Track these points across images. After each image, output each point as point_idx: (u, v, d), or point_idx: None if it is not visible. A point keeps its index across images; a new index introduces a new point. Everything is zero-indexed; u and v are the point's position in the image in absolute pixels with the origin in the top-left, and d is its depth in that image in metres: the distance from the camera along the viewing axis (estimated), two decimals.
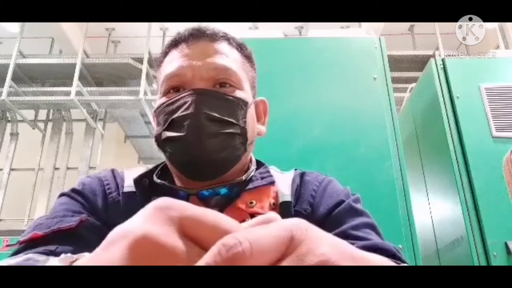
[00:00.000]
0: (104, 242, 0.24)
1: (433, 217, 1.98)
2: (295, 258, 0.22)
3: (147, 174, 0.62)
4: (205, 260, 0.22)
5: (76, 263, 0.29)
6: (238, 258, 0.21)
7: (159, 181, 0.61)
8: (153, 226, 0.23)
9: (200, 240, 0.23)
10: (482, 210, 1.60)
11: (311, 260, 0.22)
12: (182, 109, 0.57)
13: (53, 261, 0.33)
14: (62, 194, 0.61)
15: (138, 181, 0.61)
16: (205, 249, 0.23)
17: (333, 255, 0.23)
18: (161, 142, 0.60)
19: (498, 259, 1.52)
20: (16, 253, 0.50)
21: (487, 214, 1.60)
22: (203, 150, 0.56)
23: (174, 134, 0.58)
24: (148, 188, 0.60)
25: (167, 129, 0.59)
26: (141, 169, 0.65)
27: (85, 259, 0.25)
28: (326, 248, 0.23)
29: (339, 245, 0.25)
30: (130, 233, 0.23)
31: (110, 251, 0.23)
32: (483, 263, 1.53)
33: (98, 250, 0.24)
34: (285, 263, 0.22)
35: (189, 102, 0.57)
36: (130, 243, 0.22)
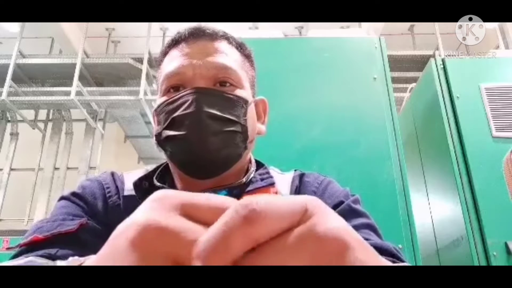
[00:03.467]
0: (109, 239, 0.24)
1: (433, 217, 1.98)
2: (305, 228, 0.23)
3: (147, 177, 0.62)
4: (222, 219, 0.22)
5: (84, 264, 0.29)
6: (254, 217, 0.21)
7: (159, 184, 0.61)
8: (154, 214, 0.23)
9: (203, 220, 0.23)
10: (482, 210, 1.60)
11: (319, 231, 0.22)
12: (183, 107, 0.57)
13: (61, 264, 0.33)
14: (62, 198, 0.61)
15: (137, 184, 0.61)
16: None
17: (342, 231, 0.23)
18: (162, 141, 0.60)
19: (498, 259, 1.52)
20: (16, 256, 0.50)
21: (487, 214, 1.60)
22: (205, 148, 0.57)
23: (175, 133, 0.58)
24: (148, 191, 0.60)
25: (167, 128, 0.59)
26: (141, 171, 0.64)
27: (92, 259, 0.25)
28: (338, 223, 0.24)
29: (348, 226, 0.25)
30: (133, 224, 0.23)
31: (116, 244, 0.23)
32: (483, 263, 1.53)
33: (104, 247, 0.24)
34: (296, 231, 0.22)
35: (190, 101, 0.57)
36: (134, 233, 0.22)
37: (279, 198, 0.23)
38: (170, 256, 0.22)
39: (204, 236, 0.22)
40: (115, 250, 0.23)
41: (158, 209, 0.23)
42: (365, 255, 0.24)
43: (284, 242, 0.22)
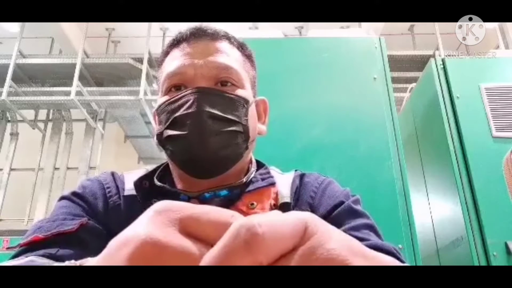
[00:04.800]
0: (105, 251, 0.24)
1: (433, 217, 1.98)
2: (306, 250, 0.22)
3: (147, 177, 0.62)
4: (224, 241, 0.22)
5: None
6: (257, 240, 0.21)
7: (159, 183, 0.61)
8: (154, 229, 0.23)
9: (203, 236, 0.23)
10: (482, 210, 1.60)
11: (321, 254, 0.22)
12: (184, 107, 0.57)
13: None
14: (62, 197, 0.61)
15: (138, 184, 0.61)
16: (209, 245, 0.23)
17: (342, 251, 0.23)
18: (163, 141, 0.60)
19: (498, 259, 1.52)
20: (16, 255, 0.50)
21: (487, 214, 1.60)
22: (206, 148, 0.57)
23: (176, 132, 0.58)
24: (148, 191, 0.60)
25: (168, 127, 0.59)
26: (141, 171, 0.64)
27: (90, 264, 0.25)
28: (337, 244, 0.23)
29: (350, 242, 0.25)
30: (132, 240, 0.23)
31: (114, 257, 0.23)
32: (483, 263, 1.53)
33: (102, 256, 0.24)
34: (297, 254, 0.22)
35: (191, 101, 0.57)
36: (132, 249, 0.22)
37: (279, 218, 0.23)
38: None
39: (205, 259, 0.22)
40: (112, 263, 0.23)
41: (159, 224, 0.23)
42: None
43: (287, 265, 0.22)
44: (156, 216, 0.24)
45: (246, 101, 0.61)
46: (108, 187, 0.62)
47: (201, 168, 0.58)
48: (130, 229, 0.24)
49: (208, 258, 0.22)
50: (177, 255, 0.22)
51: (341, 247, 0.23)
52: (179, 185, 0.63)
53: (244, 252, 0.21)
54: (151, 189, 0.60)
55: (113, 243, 0.24)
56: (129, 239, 0.23)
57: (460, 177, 1.69)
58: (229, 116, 0.58)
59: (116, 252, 0.23)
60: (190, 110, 0.57)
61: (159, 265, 0.22)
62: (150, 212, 0.24)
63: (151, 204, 0.25)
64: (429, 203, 2.01)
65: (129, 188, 0.62)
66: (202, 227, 0.23)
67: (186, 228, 0.23)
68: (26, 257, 0.46)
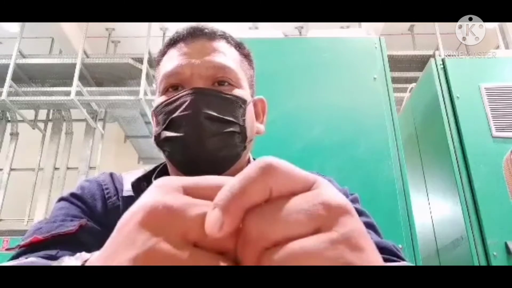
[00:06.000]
0: (117, 226, 0.24)
1: (433, 217, 1.98)
2: (313, 192, 0.24)
3: (145, 177, 0.62)
4: (243, 172, 0.23)
5: (92, 258, 0.29)
6: (270, 169, 0.23)
7: None
8: (160, 196, 0.23)
9: (206, 198, 0.24)
10: (482, 210, 1.60)
11: (328, 196, 0.23)
12: (181, 108, 0.57)
13: (69, 261, 0.33)
14: (61, 199, 0.61)
15: (136, 184, 0.61)
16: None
17: (345, 201, 0.24)
18: (160, 142, 0.60)
19: (498, 259, 1.52)
20: (16, 257, 0.50)
21: (487, 214, 1.60)
22: (203, 149, 0.57)
23: (173, 134, 0.58)
24: None
25: (166, 128, 0.59)
26: (139, 172, 0.64)
27: (99, 252, 0.25)
28: (342, 197, 0.25)
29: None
30: (140, 207, 0.23)
31: (125, 228, 0.23)
32: (483, 263, 1.53)
33: (113, 233, 0.24)
34: (303, 194, 0.24)
35: (188, 102, 0.57)
36: (143, 214, 0.23)
37: (292, 166, 0.25)
38: (179, 233, 0.22)
39: (225, 186, 0.23)
40: (125, 233, 0.23)
41: (162, 192, 0.24)
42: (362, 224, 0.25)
43: (294, 201, 0.23)
44: (159, 187, 0.24)
45: (244, 101, 0.61)
46: (106, 188, 0.62)
47: (199, 169, 0.58)
48: (136, 203, 0.24)
49: (227, 185, 0.23)
50: (187, 213, 0.23)
51: (344, 198, 0.25)
52: None
53: (257, 176, 0.23)
54: None
55: (124, 216, 0.24)
56: (136, 209, 0.23)
57: (460, 177, 1.69)
58: (227, 117, 0.58)
59: (126, 221, 0.23)
60: (187, 112, 0.57)
61: (171, 227, 0.22)
62: (152, 187, 0.25)
63: None
64: (429, 203, 2.01)
65: (127, 189, 0.62)
66: (205, 190, 0.24)
67: (190, 193, 0.24)
68: (26, 258, 0.46)
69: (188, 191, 0.24)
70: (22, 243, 0.52)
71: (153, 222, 0.22)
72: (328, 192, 0.24)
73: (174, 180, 0.25)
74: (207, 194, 0.24)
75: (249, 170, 0.23)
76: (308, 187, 0.24)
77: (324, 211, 0.23)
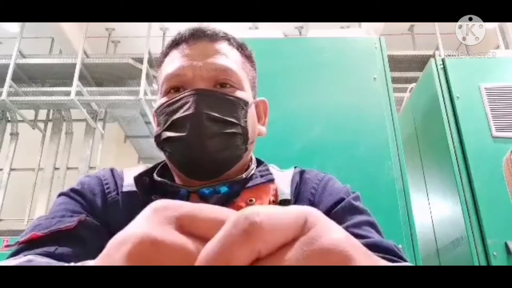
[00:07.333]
0: (103, 251, 0.24)
1: (433, 217, 1.98)
2: (306, 240, 0.22)
3: (147, 173, 0.62)
4: (223, 231, 0.22)
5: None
6: (255, 228, 0.21)
7: (159, 179, 0.61)
8: (151, 228, 0.23)
9: (200, 234, 0.23)
10: (482, 210, 1.60)
11: (322, 243, 0.22)
12: (183, 109, 0.57)
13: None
14: (61, 194, 0.61)
15: (138, 179, 0.61)
16: (206, 242, 0.23)
17: (343, 242, 0.23)
18: (161, 142, 0.60)
19: (498, 259, 1.52)
20: (15, 253, 0.50)
21: (487, 214, 1.60)
22: (204, 150, 0.57)
23: (174, 134, 0.58)
24: (148, 187, 0.60)
25: (167, 129, 0.59)
26: (141, 167, 0.65)
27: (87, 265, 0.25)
28: (338, 234, 0.23)
29: (350, 236, 0.25)
30: (129, 239, 0.23)
31: (112, 257, 0.23)
32: (483, 263, 1.53)
33: (100, 257, 0.24)
34: (297, 244, 0.22)
35: (189, 103, 0.57)
36: (130, 248, 0.22)
37: (278, 209, 0.23)
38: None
39: (204, 250, 0.22)
40: (111, 262, 0.23)
41: (156, 222, 0.23)
42: (368, 264, 0.24)
43: (287, 255, 0.22)
44: (153, 215, 0.24)
45: (245, 103, 0.61)
46: (106, 183, 0.62)
47: (200, 170, 0.58)
48: (128, 229, 0.24)
49: (208, 248, 0.22)
50: (175, 253, 0.22)
51: (342, 238, 0.23)
52: (178, 181, 0.63)
53: (243, 240, 0.21)
54: (151, 185, 0.61)
55: (111, 243, 0.24)
56: (126, 239, 0.23)
57: (460, 177, 1.69)
58: (228, 118, 0.58)
59: (114, 252, 0.23)
60: (188, 112, 0.57)
61: (157, 263, 0.22)
62: (147, 212, 0.24)
63: (151, 199, 0.25)
64: (429, 203, 2.01)
65: (128, 184, 0.62)
66: (199, 225, 0.23)
67: (183, 226, 0.23)
68: (25, 255, 0.46)
69: (183, 223, 0.23)
70: (21, 239, 0.52)
71: (139, 258, 0.22)
72: (324, 230, 0.23)
73: (170, 208, 0.24)
74: (203, 229, 0.23)
75: (231, 232, 0.21)
76: (300, 231, 0.23)
77: (322, 261, 0.22)
